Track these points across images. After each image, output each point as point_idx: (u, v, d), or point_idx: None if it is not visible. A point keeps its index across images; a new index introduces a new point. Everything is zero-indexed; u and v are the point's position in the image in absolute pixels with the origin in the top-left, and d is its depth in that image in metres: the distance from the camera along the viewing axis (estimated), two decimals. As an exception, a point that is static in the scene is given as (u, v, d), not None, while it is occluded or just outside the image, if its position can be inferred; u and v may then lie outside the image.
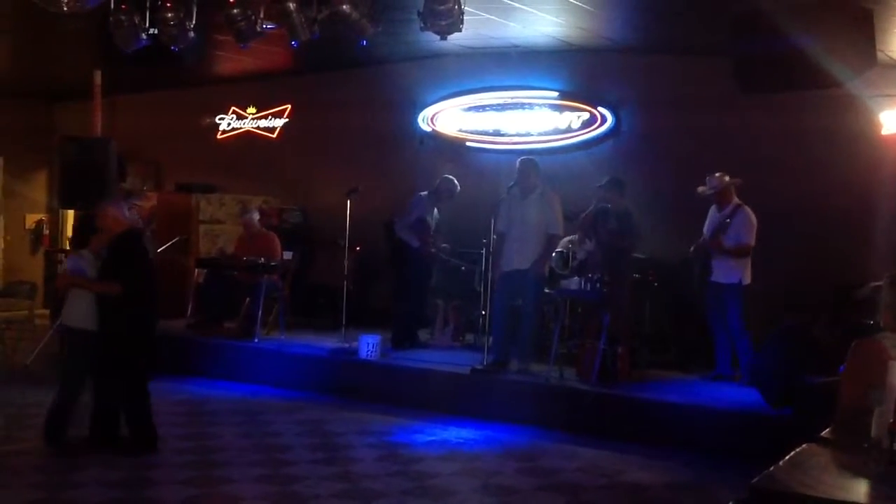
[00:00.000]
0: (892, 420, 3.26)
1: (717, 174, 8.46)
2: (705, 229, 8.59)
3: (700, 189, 8.53)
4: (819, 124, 9.07)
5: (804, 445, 3.50)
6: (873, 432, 3.42)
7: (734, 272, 8.34)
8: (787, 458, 3.33)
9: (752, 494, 3.16)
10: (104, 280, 6.66)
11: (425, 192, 9.91)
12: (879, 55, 7.71)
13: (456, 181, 9.88)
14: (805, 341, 7.42)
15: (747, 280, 8.34)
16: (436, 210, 9.94)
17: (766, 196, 8.55)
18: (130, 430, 6.75)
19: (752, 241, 8.31)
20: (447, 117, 11.65)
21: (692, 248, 8.58)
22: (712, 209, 8.59)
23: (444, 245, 10.01)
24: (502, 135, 11.30)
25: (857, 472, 3.25)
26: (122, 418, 6.77)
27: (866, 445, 3.42)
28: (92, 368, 6.74)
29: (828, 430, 3.72)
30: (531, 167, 8.68)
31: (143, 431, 6.75)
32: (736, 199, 8.44)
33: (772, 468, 3.20)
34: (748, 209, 8.36)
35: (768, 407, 7.31)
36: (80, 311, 6.70)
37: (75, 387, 6.79)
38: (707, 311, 8.58)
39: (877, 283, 3.96)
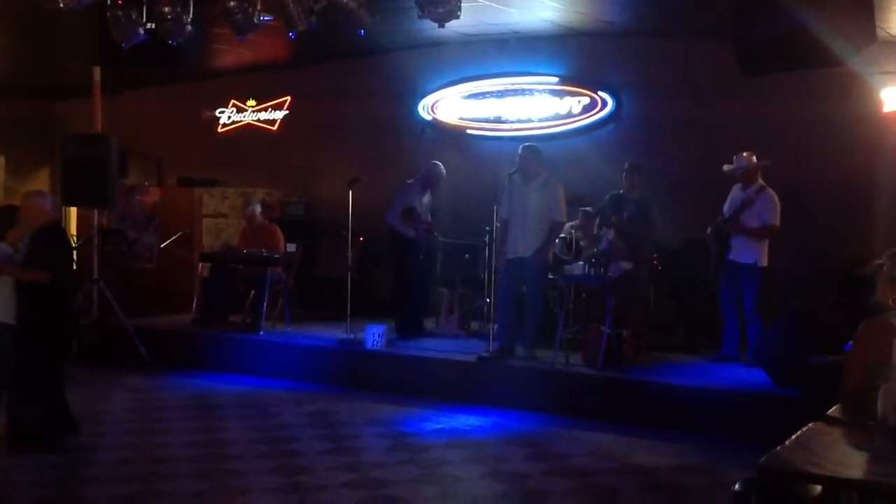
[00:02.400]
0: (897, 397, 3.26)
1: (744, 153, 8.44)
2: (725, 208, 8.56)
3: (726, 167, 8.51)
4: (821, 104, 9.03)
5: (811, 424, 3.50)
6: (879, 410, 3.42)
7: (752, 253, 8.32)
8: (793, 437, 3.33)
9: (760, 474, 3.16)
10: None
11: (411, 181, 9.91)
12: (879, 32, 7.67)
13: (441, 165, 9.87)
14: (810, 321, 7.42)
15: (764, 262, 8.33)
16: (428, 197, 9.90)
17: (769, 177, 8.53)
18: (48, 422, 6.60)
19: (777, 223, 8.30)
20: (447, 105, 11.63)
21: (709, 228, 8.57)
22: (735, 188, 8.57)
23: (433, 232, 9.96)
24: (503, 122, 11.29)
25: (864, 451, 3.26)
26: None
27: (872, 423, 3.42)
28: (9, 363, 6.51)
29: (834, 408, 3.72)
30: (533, 154, 8.66)
31: (63, 421, 6.65)
32: (760, 181, 8.43)
33: (779, 448, 3.21)
34: (771, 190, 8.35)
35: (774, 387, 7.31)
36: (1, 305, 6.49)
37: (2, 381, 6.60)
38: (720, 291, 8.58)
39: (880, 261, 3.94)
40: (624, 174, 8.99)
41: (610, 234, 8.54)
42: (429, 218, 9.95)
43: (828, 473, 3.02)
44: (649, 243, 8.92)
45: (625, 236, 8.50)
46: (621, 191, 8.97)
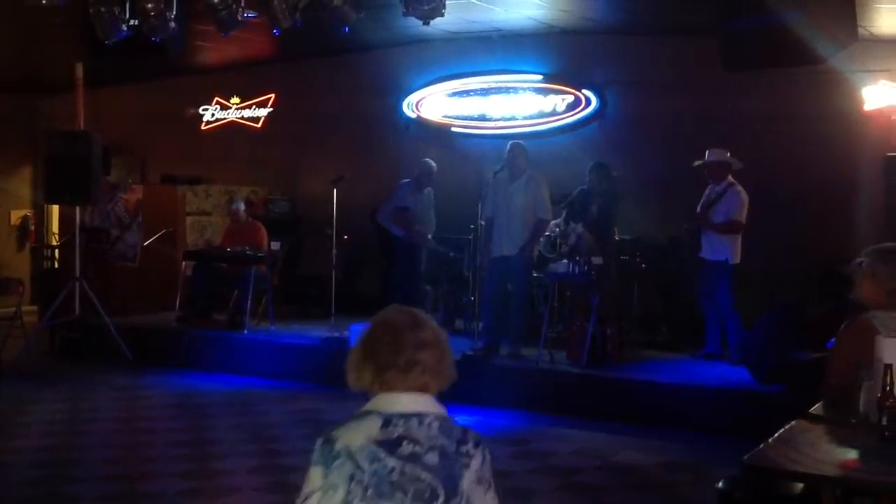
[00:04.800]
0: (880, 395, 3.28)
1: (717, 149, 8.47)
2: (699, 208, 8.60)
3: (696, 163, 8.54)
4: (803, 102, 9.11)
5: (794, 422, 3.52)
6: (862, 408, 3.45)
7: (722, 250, 8.36)
8: (777, 434, 3.35)
9: (743, 471, 3.19)
10: None
11: (407, 180, 9.90)
12: (860, 31, 7.72)
13: (429, 161, 9.86)
14: (794, 318, 7.47)
15: (736, 259, 8.36)
16: (424, 195, 9.89)
17: (752, 175, 8.57)
18: None
19: (742, 219, 8.34)
20: (432, 103, 11.62)
21: (685, 227, 8.60)
22: (709, 187, 8.61)
23: (425, 233, 9.90)
24: (487, 119, 11.29)
25: (847, 448, 3.28)
26: None
27: (855, 421, 3.45)
28: None
29: (817, 406, 3.75)
30: (519, 151, 8.66)
31: None
32: (730, 178, 8.47)
33: (762, 445, 3.23)
34: (740, 188, 8.39)
35: (758, 384, 7.35)
36: None
37: None
38: (698, 289, 8.62)
39: (860, 259, 3.96)
40: (588, 173, 8.90)
41: (578, 227, 8.55)
42: (431, 217, 9.90)
43: (811, 471, 3.04)
44: (614, 239, 8.94)
45: (592, 230, 8.50)
46: (585, 187, 8.95)
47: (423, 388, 2.48)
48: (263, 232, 10.50)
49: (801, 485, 3.35)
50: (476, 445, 2.46)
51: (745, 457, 3.12)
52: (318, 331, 9.79)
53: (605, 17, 9.73)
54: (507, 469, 6.29)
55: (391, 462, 2.30)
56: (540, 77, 10.95)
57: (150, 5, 7.78)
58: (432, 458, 2.33)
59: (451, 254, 10.22)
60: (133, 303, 11.13)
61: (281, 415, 7.81)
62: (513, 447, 6.85)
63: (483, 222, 8.73)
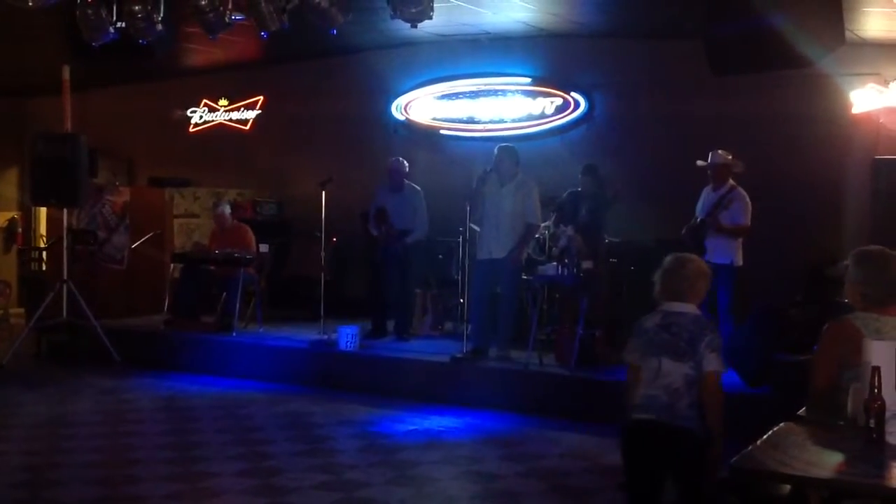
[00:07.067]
0: (867, 397, 3.29)
1: (720, 151, 8.46)
2: (698, 209, 8.58)
3: (699, 162, 8.52)
4: (791, 105, 9.13)
5: (781, 424, 3.53)
6: (849, 410, 3.46)
7: (727, 253, 8.34)
8: (764, 437, 3.36)
9: (731, 473, 3.19)
10: None
11: (383, 184, 9.89)
12: (847, 34, 7.74)
13: (396, 159, 9.74)
14: (780, 320, 7.48)
15: (739, 262, 8.36)
16: (401, 196, 9.73)
17: (739, 177, 8.58)
18: None
19: (749, 223, 8.34)
20: (420, 106, 11.62)
21: (684, 230, 8.59)
22: (707, 189, 8.58)
23: (399, 233, 9.68)
24: (476, 122, 11.30)
25: (834, 450, 3.29)
26: None
27: (843, 423, 3.46)
28: None
29: (804, 408, 3.76)
30: (509, 155, 8.63)
31: None
32: (731, 181, 8.47)
33: (750, 447, 3.23)
34: (742, 190, 8.38)
35: (745, 386, 7.36)
36: None
37: None
38: None
39: (847, 262, 4.00)
40: (580, 175, 8.97)
41: (568, 230, 8.55)
42: (417, 216, 9.73)
43: (798, 473, 3.05)
44: (604, 242, 8.96)
45: (583, 233, 8.51)
46: (579, 188, 8.98)
47: (685, 300, 4.28)
48: (250, 234, 10.46)
49: (788, 487, 3.35)
50: (712, 331, 4.19)
51: (733, 459, 3.12)
52: (307, 333, 9.78)
53: (593, 20, 9.75)
54: (496, 471, 6.30)
55: (665, 336, 4.19)
56: (528, 80, 10.97)
57: (136, 7, 7.75)
58: (686, 335, 4.14)
59: (440, 255, 10.19)
60: (120, 305, 11.10)
61: (268, 418, 7.78)
62: (502, 450, 6.85)
63: (472, 224, 8.71)
